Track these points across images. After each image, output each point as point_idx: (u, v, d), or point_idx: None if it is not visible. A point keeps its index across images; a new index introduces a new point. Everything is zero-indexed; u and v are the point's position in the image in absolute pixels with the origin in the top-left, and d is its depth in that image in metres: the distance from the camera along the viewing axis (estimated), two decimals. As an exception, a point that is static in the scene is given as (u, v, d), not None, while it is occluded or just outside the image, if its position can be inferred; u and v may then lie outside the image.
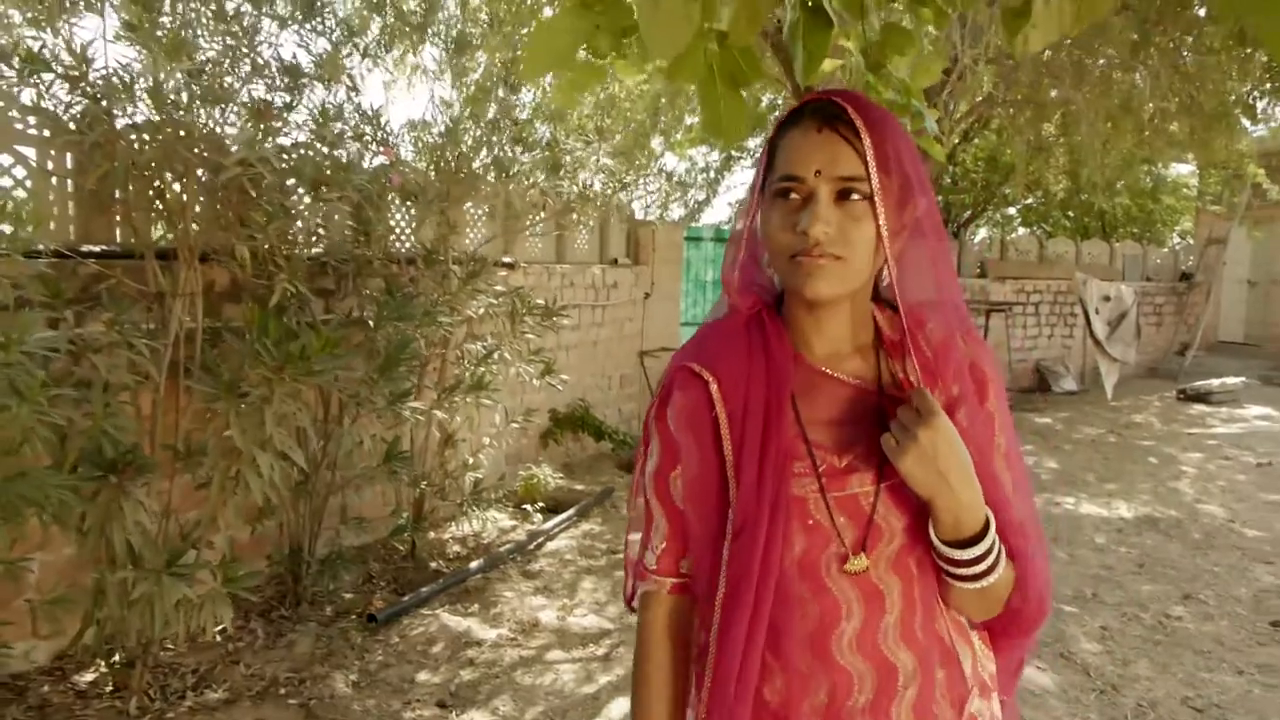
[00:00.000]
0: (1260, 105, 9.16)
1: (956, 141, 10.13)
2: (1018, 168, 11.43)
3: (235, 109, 3.38)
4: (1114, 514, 6.61)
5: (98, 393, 3.03)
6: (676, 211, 8.44)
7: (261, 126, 3.30)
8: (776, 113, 12.13)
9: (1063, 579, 5.10)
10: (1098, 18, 1.20)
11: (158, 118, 3.30)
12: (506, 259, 6.24)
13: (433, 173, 4.82)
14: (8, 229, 2.77)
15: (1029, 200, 18.27)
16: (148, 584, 3.09)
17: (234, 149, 3.02)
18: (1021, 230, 19.20)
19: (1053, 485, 7.45)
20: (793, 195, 1.15)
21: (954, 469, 1.10)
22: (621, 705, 3.63)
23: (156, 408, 3.57)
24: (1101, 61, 7.38)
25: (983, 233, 18.46)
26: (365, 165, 4.14)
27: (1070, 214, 18.05)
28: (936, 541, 1.15)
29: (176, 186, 3.38)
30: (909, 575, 1.18)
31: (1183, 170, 17.93)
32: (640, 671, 1.31)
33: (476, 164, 4.96)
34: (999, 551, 1.15)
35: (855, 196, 1.13)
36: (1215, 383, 12.24)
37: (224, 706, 3.48)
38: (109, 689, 3.55)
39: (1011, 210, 19.00)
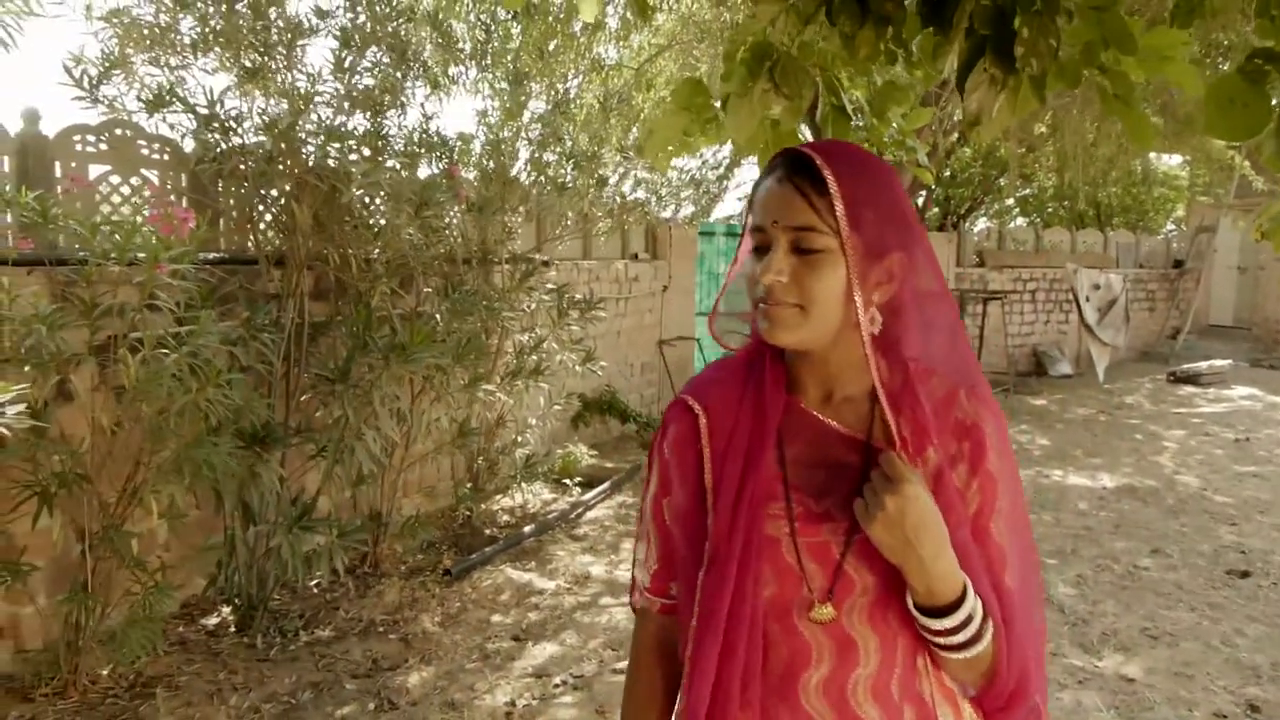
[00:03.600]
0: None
1: (955, 138, 10.77)
2: (1010, 165, 12.06)
3: (345, 141, 4.02)
4: (1098, 484, 7.27)
5: (237, 377, 3.68)
6: (689, 208, 9.08)
7: (369, 155, 3.94)
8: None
9: (1046, 539, 5.75)
10: (1024, 115, 1.84)
11: (271, 144, 3.96)
12: (542, 257, 6.89)
13: (479, 183, 5.47)
14: (162, 248, 3.42)
15: (1025, 191, 18.90)
16: (280, 536, 3.76)
17: (355, 176, 3.67)
18: (1020, 220, 19.83)
19: (1043, 460, 8.11)
20: (759, 246, 1.17)
21: (924, 538, 1.06)
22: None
23: (272, 390, 4.23)
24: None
25: (982, 223, 19.09)
26: (438, 180, 4.79)
27: (1065, 204, 18.66)
28: (912, 608, 1.12)
29: (293, 205, 4.04)
30: (889, 630, 1.14)
31: (1174, 161, 18.54)
32: (629, 684, 1.36)
33: (523, 176, 5.61)
34: (980, 620, 1.11)
35: (804, 248, 1.12)
36: (1204, 365, 12.86)
37: (335, 641, 4.15)
38: (232, 630, 4.22)
39: (1010, 201, 19.61)
